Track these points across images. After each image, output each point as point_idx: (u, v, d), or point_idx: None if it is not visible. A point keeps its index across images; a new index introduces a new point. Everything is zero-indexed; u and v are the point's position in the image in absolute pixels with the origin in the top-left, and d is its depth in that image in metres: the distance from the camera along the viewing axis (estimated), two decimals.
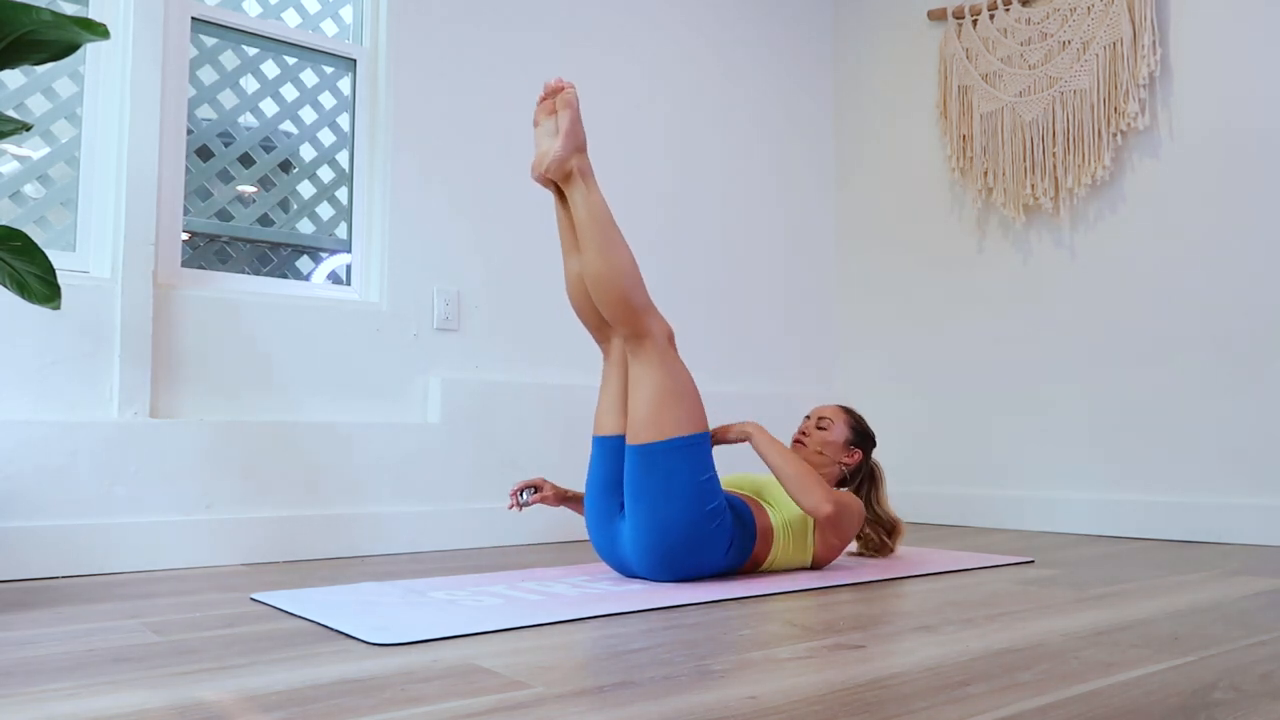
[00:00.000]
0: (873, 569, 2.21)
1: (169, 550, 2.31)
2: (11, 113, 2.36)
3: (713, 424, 3.02)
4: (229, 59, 2.70)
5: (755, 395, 3.59)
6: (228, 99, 2.69)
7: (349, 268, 2.86)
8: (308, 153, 2.82)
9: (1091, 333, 3.24)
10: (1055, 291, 3.34)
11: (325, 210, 2.82)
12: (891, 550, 2.42)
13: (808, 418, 2.38)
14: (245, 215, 2.70)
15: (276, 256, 2.76)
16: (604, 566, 2.27)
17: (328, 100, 2.85)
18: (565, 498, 2.23)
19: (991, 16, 3.52)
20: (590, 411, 2.96)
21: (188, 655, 1.33)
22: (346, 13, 2.92)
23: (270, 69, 2.76)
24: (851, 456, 2.32)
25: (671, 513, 1.92)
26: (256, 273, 2.71)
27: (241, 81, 2.71)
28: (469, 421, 2.85)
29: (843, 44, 4.08)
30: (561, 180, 2.07)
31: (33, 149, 2.39)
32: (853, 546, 2.52)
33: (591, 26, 3.32)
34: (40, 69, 2.38)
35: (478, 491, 2.85)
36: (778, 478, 2.07)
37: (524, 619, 1.57)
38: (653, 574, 1.99)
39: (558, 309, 3.11)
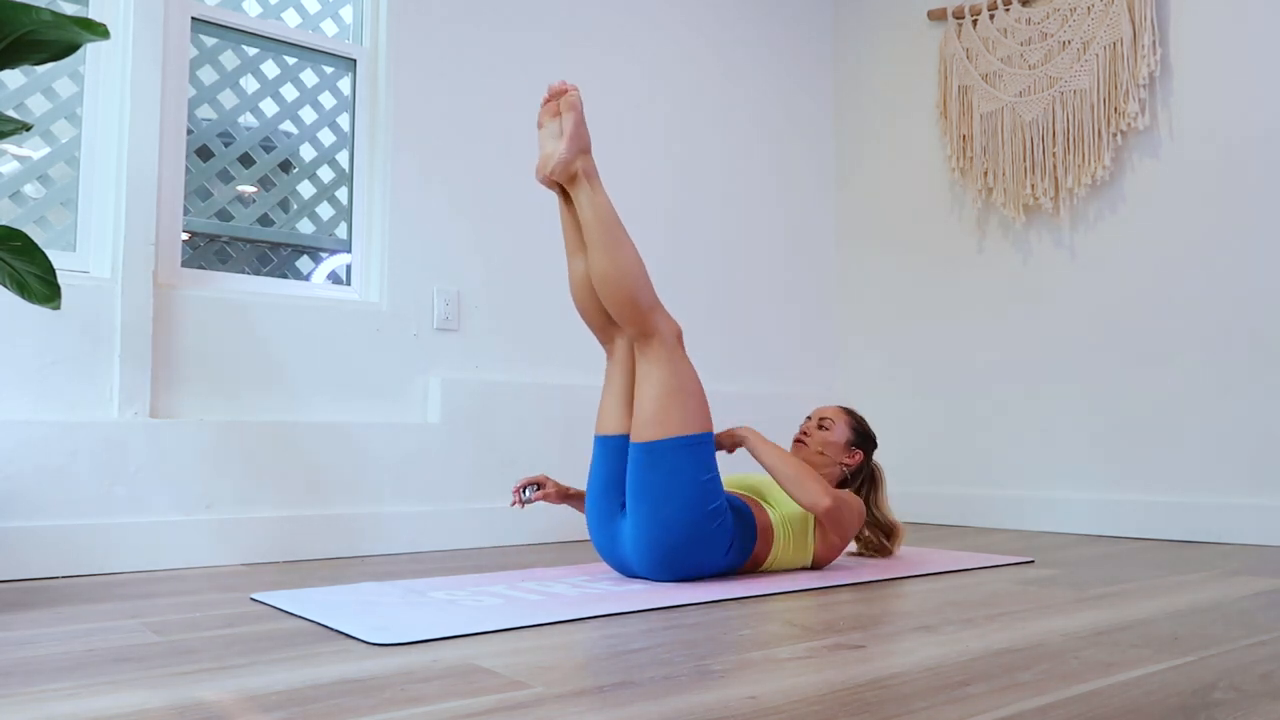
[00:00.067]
0: (873, 569, 2.21)
1: (169, 550, 2.32)
2: (11, 113, 2.36)
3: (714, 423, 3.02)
4: (229, 59, 2.70)
5: (755, 395, 3.59)
6: (228, 99, 2.69)
7: (349, 268, 2.86)
8: (308, 153, 2.82)
9: (1091, 333, 3.24)
10: (1055, 291, 3.34)
11: (325, 210, 2.82)
12: (891, 552, 2.42)
13: (809, 418, 2.38)
14: (245, 215, 2.70)
15: (276, 256, 2.76)
16: (604, 566, 2.27)
17: (328, 100, 2.85)
18: (567, 495, 2.23)
19: (991, 16, 3.52)
20: (591, 411, 2.96)
21: (188, 655, 1.33)
22: (346, 13, 2.92)
23: (270, 69, 2.77)
24: (852, 457, 2.33)
25: (673, 511, 1.92)
26: (256, 273, 2.71)
27: (241, 81, 2.71)
28: (469, 421, 2.85)
29: (843, 44, 4.08)
30: (567, 182, 2.07)
31: (33, 149, 2.39)
32: (852, 547, 2.53)
33: (591, 26, 3.32)
34: (40, 69, 2.38)
35: (478, 491, 2.85)
36: (775, 477, 2.07)
37: (524, 619, 1.57)
38: (653, 573, 1.99)
39: (558, 309, 3.11)
